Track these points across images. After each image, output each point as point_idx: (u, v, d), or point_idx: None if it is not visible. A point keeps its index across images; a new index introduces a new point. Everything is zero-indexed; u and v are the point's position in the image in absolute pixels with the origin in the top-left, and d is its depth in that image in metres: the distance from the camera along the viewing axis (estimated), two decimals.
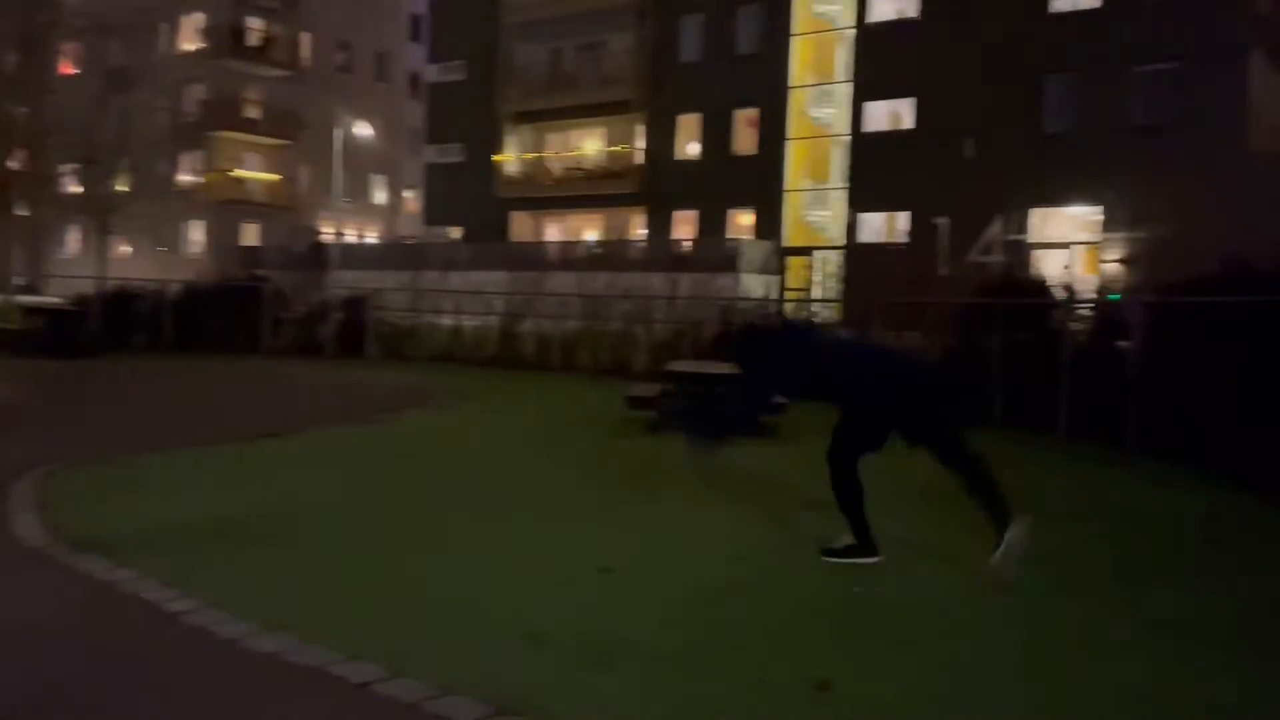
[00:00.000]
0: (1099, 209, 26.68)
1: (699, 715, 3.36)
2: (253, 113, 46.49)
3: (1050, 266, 23.48)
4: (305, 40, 48.18)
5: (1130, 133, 25.67)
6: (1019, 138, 27.29)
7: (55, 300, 21.97)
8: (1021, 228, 27.69)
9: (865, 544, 5.14)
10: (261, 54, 46.19)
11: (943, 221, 28.23)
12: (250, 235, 45.89)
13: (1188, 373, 8.43)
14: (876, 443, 5.18)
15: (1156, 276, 11.63)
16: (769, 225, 32.81)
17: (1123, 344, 9.79)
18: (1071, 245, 27.11)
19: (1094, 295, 12.14)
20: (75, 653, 3.79)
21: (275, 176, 47.02)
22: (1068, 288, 11.51)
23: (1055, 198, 27.21)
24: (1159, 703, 3.58)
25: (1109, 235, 26.31)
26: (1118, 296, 12.41)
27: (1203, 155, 23.97)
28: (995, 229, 27.72)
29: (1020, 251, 26.87)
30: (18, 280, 29.08)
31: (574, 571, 4.95)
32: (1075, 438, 9.56)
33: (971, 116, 27.90)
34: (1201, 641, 4.18)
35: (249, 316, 19.19)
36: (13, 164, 24.82)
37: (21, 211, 26.95)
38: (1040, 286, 11.64)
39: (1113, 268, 24.78)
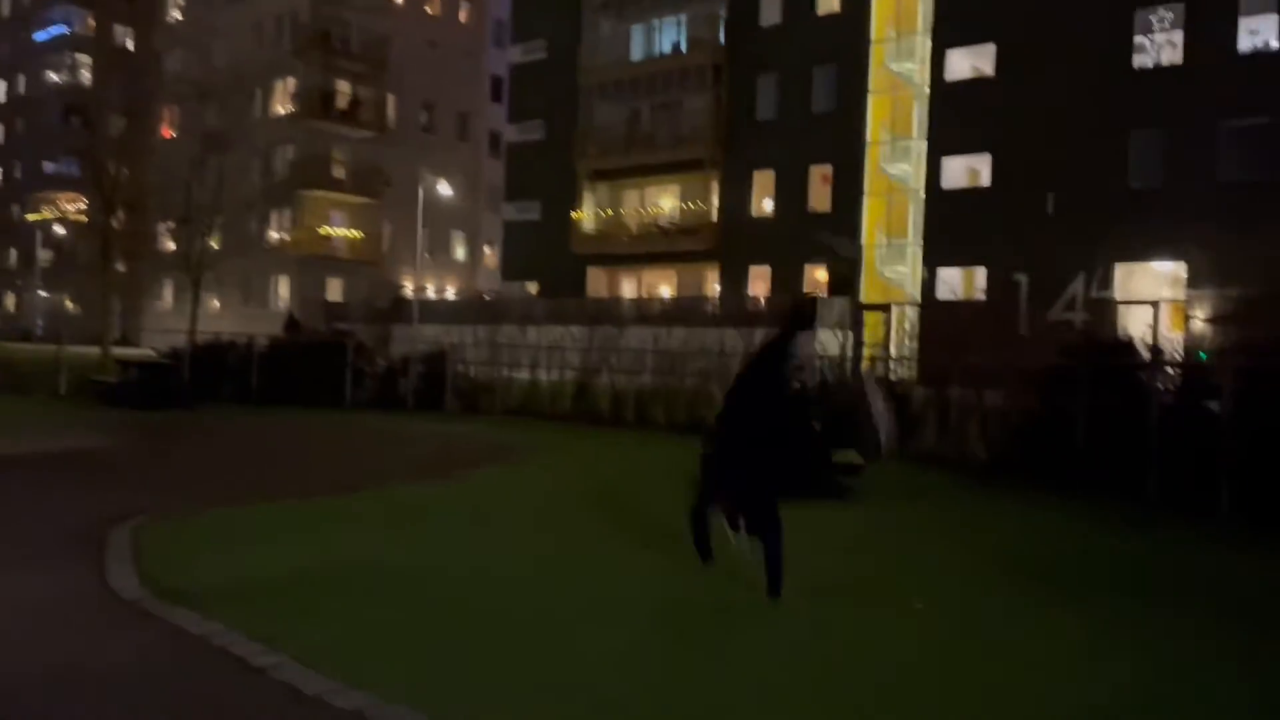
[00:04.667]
0: (1185, 265, 26.00)
1: None
2: (339, 172, 48.14)
3: (1136, 324, 22.85)
4: (391, 102, 49.90)
5: (1219, 188, 25.03)
6: (1103, 193, 26.81)
7: (148, 353, 22.82)
8: (1105, 284, 27.08)
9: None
10: (349, 116, 47.95)
11: (1023, 278, 27.77)
12: (334, 290, 47.24)
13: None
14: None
15: (1248, 336, 11.24)
16: (845, 281, 32.64)
17: (1211, 405, 9.47)
18: (1158, 302, 26.38)
19: (1182, 354, 11.74)
20: (166, 705, 3.90)
21: (359, 233, 48.47)
22: (1154, 347, 11.18)
23: (1141, 253, 26.60)
24: None
25: (1196, 292, 25.56)
26: (1206, 356, 12.03)
27: None
28: (1078, 285, 27.17)
29: (1104, 308, 26.24)
30: (114, 333, 30.34)
31: (651, 638, 4.94)
32: (1164, 503, 9.24)
33: (1051, 172, 27.54)
34: None
35: (333, 370, 19.66)
36: (114, 223, 26.01)
37: (120, 267, 28.17)
38: (1125, 346, 11.31)
39: (1201, 326, 24.03)
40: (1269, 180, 24.28)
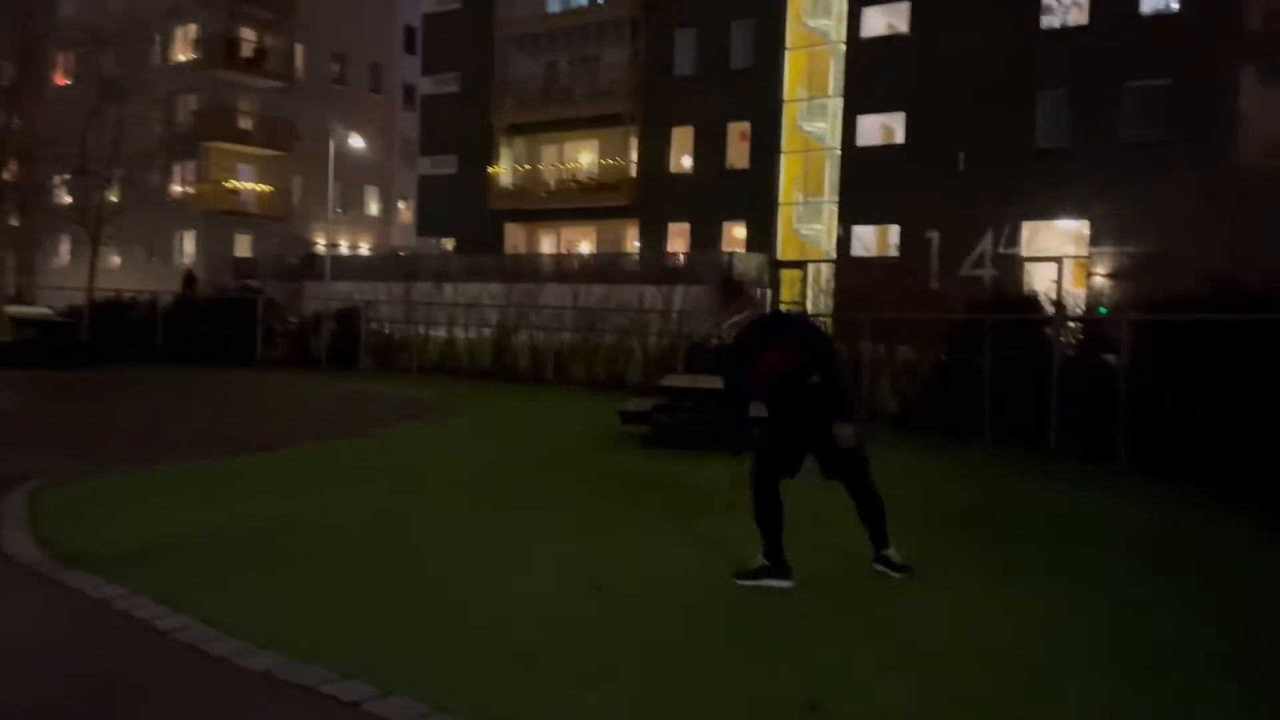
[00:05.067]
0: (1088, 224, 26.83)
1: None
2: (246, 123, 46.45)
3: (1041, 280, 23.58)
4: (299, 51, 48.21)
5: (1121, 147, 25.82)
6: (1011, 152, 27.44)
7: (45, 311, 21.92)
8: (1013, 241, 27.82)
9: (779, 567, 5.10)
10: (255, 65, 46.18)
11: (934, 235, 28.35)
12: (243, 246, 45.84)
13: (1175, 390, 8.48)
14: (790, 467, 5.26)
15: (1145, 292, 11.69)
16: (762, 238, 32.92)
17: (1109, 358, 9.82)
18: (1062, 259, 27.22)
19: (1083, 309, 12.16)
20: (65, 671, 3.79)
21: (268, 187, 47.00)
22: (1057, 302, 11.54)
23: (1047, 211, 27.36)
24: None
25: (1098, 249, 26.45)
26: (1107, 311, 12.46)
27: (1193, 170, 24.09)
28: (986, 243, 27.85)
29: (1011, 265, 26.98)
30: (8, 291, 29.04)
31: (565, 590, 4.96)
32: (1065, 453, 9.60)
33: (963, 131, 28.06)
34: (1195, 665, 4.21)
35: (242, 328, 19.17)
36: (6, 175, 24.76)
37: (13, 222, 26.89)
38: (1030, 301, 11.66)
39: (1102, 281, 24.90)
40: (1168, 140, 25.14)
